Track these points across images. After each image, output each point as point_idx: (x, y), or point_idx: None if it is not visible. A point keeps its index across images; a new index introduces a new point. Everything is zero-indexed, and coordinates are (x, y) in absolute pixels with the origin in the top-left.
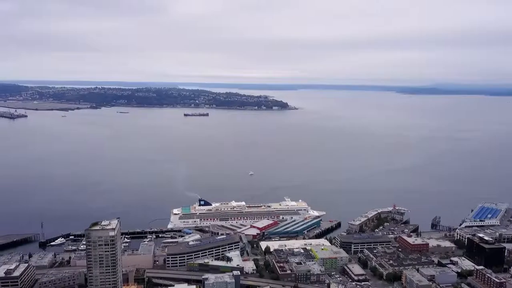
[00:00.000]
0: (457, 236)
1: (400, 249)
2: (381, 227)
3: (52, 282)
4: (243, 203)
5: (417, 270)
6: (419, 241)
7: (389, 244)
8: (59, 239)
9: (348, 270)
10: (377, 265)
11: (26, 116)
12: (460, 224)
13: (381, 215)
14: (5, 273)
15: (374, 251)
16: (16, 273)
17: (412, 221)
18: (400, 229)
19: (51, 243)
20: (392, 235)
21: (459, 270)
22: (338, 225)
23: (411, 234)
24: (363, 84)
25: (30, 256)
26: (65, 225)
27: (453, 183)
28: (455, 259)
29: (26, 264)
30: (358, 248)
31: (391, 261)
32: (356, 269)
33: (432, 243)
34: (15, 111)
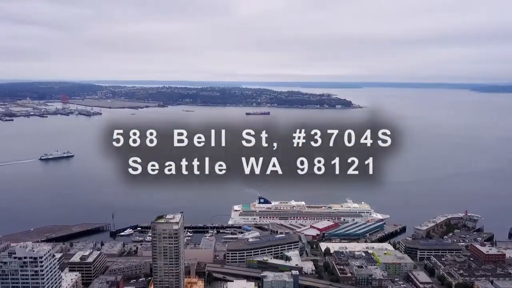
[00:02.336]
0: None
1: (471, 259)
2: (450, 234)
3: (120, 270)
4: (303, 202)
5: (491, 282)
6: (494, 251)
7: (460, 252)
8: (128, 229)
9: (412, 277)
10: (445, 274)
11: (100, 113)
12: None
13: (451, 221)
14: (80, 258)
15: (442, 259)
16: (90, 259)
17: (486, 229)
18: (472, 237)
19: (121, 233)
20: (463, 243)
21: None
22: (403, 229)
23: (485, 243)
24: (434, 82)
25: (102, 244)
26: (133, 217)
27: None
28: None
29: (99, 252)
30: (424, 254)
31: (461, 271)
32: (422, 276)
33: (510, 254)
34: (91, 109)
